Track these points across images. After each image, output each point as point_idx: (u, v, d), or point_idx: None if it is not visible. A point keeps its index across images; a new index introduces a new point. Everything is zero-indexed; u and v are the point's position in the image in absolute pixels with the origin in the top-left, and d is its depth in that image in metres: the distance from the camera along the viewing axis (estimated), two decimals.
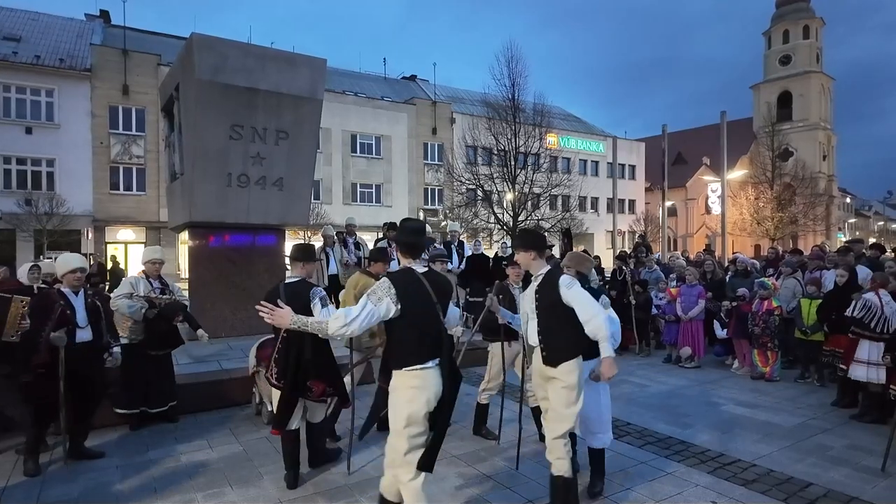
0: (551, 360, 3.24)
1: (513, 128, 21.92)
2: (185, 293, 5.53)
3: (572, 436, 3.91)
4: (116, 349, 4.80)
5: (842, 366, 5.56)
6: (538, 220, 22.47)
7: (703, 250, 14.72)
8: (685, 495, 3.71)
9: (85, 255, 19.07)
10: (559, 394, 3.22)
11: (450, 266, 8.95)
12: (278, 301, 3.09)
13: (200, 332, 5.28)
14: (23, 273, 5.63)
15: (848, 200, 67.47)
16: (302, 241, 5.59)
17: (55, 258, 4.92)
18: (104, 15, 30.50)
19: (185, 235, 8.40)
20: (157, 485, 3.91)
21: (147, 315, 4.92)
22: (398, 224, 3.40)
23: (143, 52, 25.78)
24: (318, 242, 9.20)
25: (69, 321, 4.14)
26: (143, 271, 5.21)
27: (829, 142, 54.26)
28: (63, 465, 4.18)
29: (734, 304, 7.37)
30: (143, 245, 23.13)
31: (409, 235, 3.09)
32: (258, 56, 7.35)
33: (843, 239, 46.42)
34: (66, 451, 4.22)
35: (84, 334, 4.24)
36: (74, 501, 3.68)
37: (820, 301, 6.54)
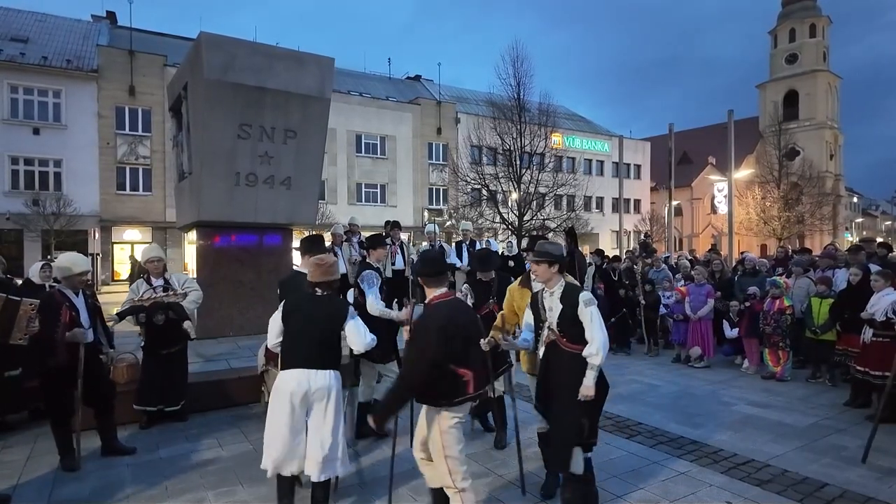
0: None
1: (518, 127, 21.88)
2: (195, 286, 5.41)
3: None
4: (111, 350, 4.82)
5: (858, 366, 5.48)
6: (543, 219, 22.41)
7: (709, 250, 14.65)
8: (699, 495, 3.68)
9: (91, 255, 19.17)
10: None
11: (459, 264, 8.96)
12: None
13: (186, 324, 5.07)
14: (34, 272, 5.67)
15: (855, 200, 67.06)
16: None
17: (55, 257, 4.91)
18: (110, 16, 30.70)
19: (192, 235, 8.39)
20: (169, 483, 3.91)
21: (156, 321, 4.87)
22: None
23: (149, 52, 25.89)
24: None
25: (76, 322, 4.12)
26: (146, 272, 5.16)
27: (836, 141, 53.94)
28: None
29: (747, 303, 7.32)
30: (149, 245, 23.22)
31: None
32: (266, 55, 7.33)
33: (850, 238, 46.21)
34: (74, 452, 4.19)
35: (87, 334, 4.22)
36: (86, 500, 3.68)
37: (831, 300, 6.49)
